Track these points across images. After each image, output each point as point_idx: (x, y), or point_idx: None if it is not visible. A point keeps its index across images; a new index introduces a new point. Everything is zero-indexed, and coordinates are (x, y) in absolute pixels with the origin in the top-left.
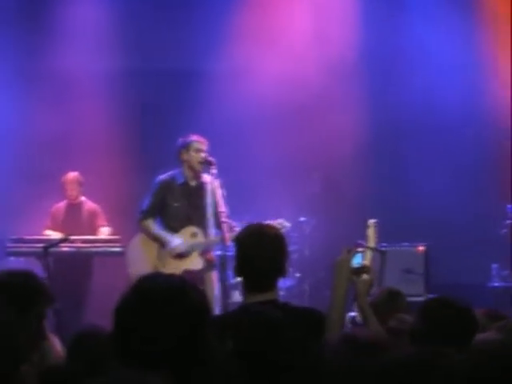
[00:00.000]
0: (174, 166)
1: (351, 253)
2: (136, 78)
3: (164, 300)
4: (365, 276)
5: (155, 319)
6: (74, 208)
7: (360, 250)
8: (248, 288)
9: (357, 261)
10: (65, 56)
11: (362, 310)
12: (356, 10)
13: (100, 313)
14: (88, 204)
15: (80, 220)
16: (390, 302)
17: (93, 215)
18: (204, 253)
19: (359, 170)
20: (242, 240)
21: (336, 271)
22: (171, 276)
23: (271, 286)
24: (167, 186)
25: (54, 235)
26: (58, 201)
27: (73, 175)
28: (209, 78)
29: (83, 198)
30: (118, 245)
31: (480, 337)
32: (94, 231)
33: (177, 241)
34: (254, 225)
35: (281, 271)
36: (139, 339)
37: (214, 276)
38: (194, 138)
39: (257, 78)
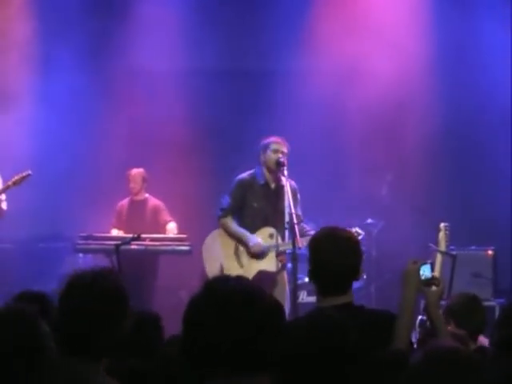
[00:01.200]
0: (248, 168)
1: (417, 264)
2: (212, 78)
3: (234, 303)
4: (434, 287)
5: (223, 321)
6: (138, 204)
7: (427, 261)
8: (322, 291)
9: (426, 271)
10: (139, 54)
11: (432, 321)
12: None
13: (165, 311)
14: (152, 200)
15: (144, 216)
16: (469, 306)
17: (157, 211)
18: (278, 255)
19: (428, 173)
20: (316, 243)
21: (404, 282)
22: (243, 279)
23: (346, 288)
24: (248, 185)
25: (118, 233)
26: (123, 198)
27: (137, 170)
28: (286, 77)
29: (147, 195)
30: (185, 243)
31: None
32: (158, 227)
33: (256, 239)
34: (328, 228)
35: (355, 274)
36: (205, 339)
37: (285, 277)
38: (272, 139)
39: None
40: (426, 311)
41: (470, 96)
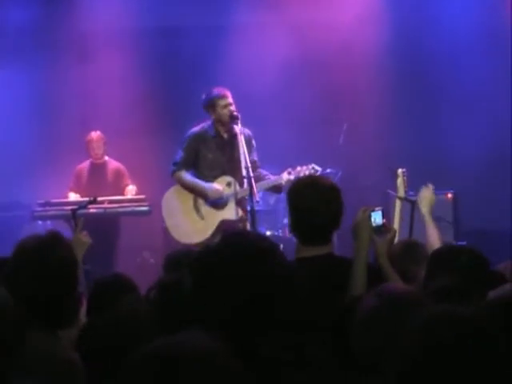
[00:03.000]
0: (198, 122)
1: (367, 212)
2: (157, 36)
3: (253, 256)
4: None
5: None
6: (99, 168)
7: (377, 208)
8: (304, 241)
9: (377, 218)
10: (88, 16)
11: (383, 269)
12: None
13: (130, 272)
14: (112, 163)
15: (105, 180)
16: (408, 253)
17: (118, 174)
18: (238, 203)
19: (384, 119)
20: (297, 192)
21: (355, 232)
22: (259, 234)
23: (328, 239)
24: (201, 137)
25: (75, 197)
26: (81, 161)
27: (97, 134)
28: (233, 31)
29: (107, 158)
30: (144, 204)
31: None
32: (119, 190)
33: (214, 186)
34: (307, 177)
35: (337, 223)
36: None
37: (247, 228)
38: (216, 92)
39: (284, 30)
40: (377, 259)
41: (423, 40)
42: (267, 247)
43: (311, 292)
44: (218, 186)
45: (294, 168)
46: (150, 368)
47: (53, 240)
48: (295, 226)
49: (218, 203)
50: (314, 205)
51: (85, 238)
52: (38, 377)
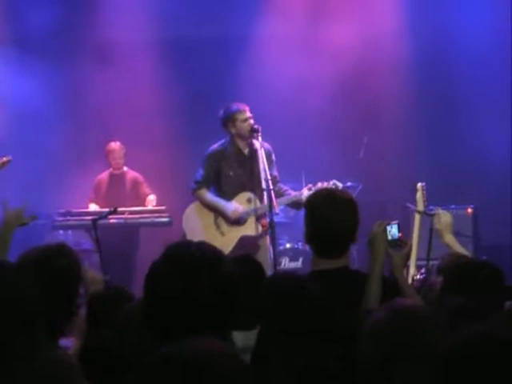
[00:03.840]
0: (221, 137)
1: (382, 225)
2: (178, 48)
3: (195, 268)
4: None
5: (185, 286)
6: (118, 178)
7: (393, 222)
8: (319, 254)
9: (393, 232)
10: (105, 27)
11: (399, 283)
12: None
13: None
14: (131, 173)
15: (124, 190)
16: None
17: (137, 184)
18: (259, 219)
19: (405, 133)
20: (315, 204)
21: (370, 245)
22: (205, 244)
23: (344, 251)
24: (221, 155)
25: (96, 208)
26: (101, 172)
27: (118, 144)
28: (254, 43)
29: (125, 168)
30: (165, 215)
31: None
32: (138, 200)
33: (234, 205)
34: (325, 189)
35: (353, 236)
36: (168, 306)
37: (268, 242)
38: (236, 107)
39: (305, 44)
40: (392, 273)
41: (446, 56)
42: (206, 260)
43: (325, 305)
44: (238, 205)
45: (314, 184)
46: (172, 373)
47: (54, 251)
48: (311, 238)
49: (238, 221)
50: (329, 216)
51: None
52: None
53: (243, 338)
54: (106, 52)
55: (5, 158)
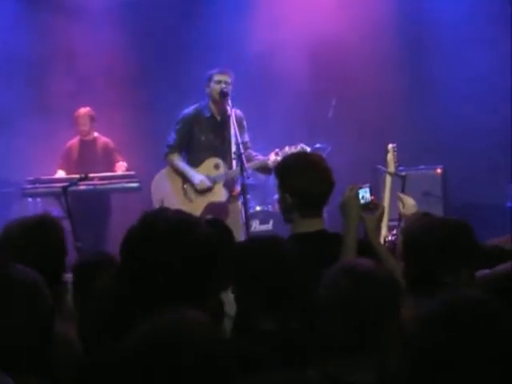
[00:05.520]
0: (192, 100)
1: (354, 190)
2: (150, 9)
3: (170, 232)
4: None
5: (161, 250)
6: (88, 144)
7: (364, 185)
8: (304, 214)
9: (366, 195)
10: None
11: (373, 245)
12: None
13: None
14: (101, 139)
15: (95, 156)
16: None
17: (107, 150)
18: (227, 184)
19: (374, 94)
20: (292, 166)
21: (343, 210)
22: (181, 211)
23: (320, 213)
24: (194, 119)
25: (63, 175)
26: (71, 138)
27: (84, 110)
28: (230, 5)
29: (96, 134)
30: (135, 180)
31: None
32: (110, 167)
33: (199, 177)
34: (299, 153)
35: (328, 198)
36: (146, 271)
37: (238, 206)
38: (218, 69)
39: (278, 4)
40: (366, 237)
41: (419, 15)
42: (182, 225)
43: (305, 268)
44: (204, 178)
45: (281, 148)
46: (149, 354)
47: (39, 225)
48: (296, 198)
49: (205, 190)
50: (312, 177)
51: None
52: None
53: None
54: (71, 16)
55: None
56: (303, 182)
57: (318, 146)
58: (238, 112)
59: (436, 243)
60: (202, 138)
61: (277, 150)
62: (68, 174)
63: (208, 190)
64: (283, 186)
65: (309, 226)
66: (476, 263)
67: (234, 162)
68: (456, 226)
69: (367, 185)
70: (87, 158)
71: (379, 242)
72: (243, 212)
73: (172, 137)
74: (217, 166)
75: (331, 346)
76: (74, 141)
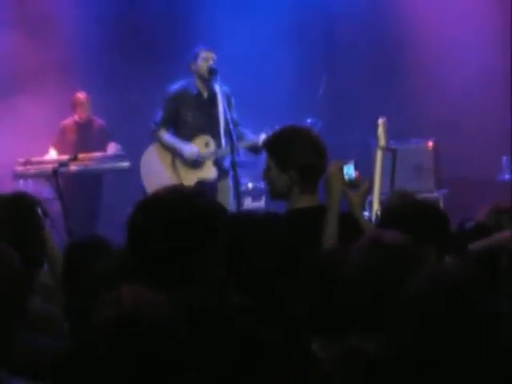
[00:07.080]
0: (181, 76)
1: (338, 165)
2: None
3: (171, 206)
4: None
5: (164, 226)
6: (84, 127)
7: (349, 162)
8: (304, 189)
9: (350, 171)
10: None
11: (358, 220)
12: None
13: (112, 230)
14: (97, 122)
15: (92, 139)
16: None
17: (103, 132)
18: (217, 162)
19: (363, 69)
20: (284, 139)
21: (327, 186)
22: (181, 186)
23: (317, 188)
24: (180, 97)
25: (55, 154)
26: (66, 117)
27: (83, 96)
28: None
29: (91, 115)
30: (125, 160)
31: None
32: (104, 148)
33: (191, 147)
34: (289, 127)
35: (324, 172)
36: (151, 248)
37: (228, 184)
38: (201, 46)
39: None
40: (351, 212)
41: None
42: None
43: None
44: (195, 146)
45: (272, 128)
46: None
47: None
48: (297, 170)
49: (195, 163)
50: (308, 149)
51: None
52: None
53: None
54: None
55: None
56: (306, 156)
57: (308, 121)
58: (226, 88)
59: (408, 217)
60: (189, 116)
61: (267, 129)
62: (62, 155)
63: (197, 164)
64: (287, 163)
65: (308, 201)
66: (445, 247)
67: (223, 140)
68: (430, 206)
69: (351, 161)
70: (84, 140)
71: (363, 218)
72: (233, 189)
73: (159, 114)
74: (207, 144)
75: (352, 318)
76: (69, 122)
